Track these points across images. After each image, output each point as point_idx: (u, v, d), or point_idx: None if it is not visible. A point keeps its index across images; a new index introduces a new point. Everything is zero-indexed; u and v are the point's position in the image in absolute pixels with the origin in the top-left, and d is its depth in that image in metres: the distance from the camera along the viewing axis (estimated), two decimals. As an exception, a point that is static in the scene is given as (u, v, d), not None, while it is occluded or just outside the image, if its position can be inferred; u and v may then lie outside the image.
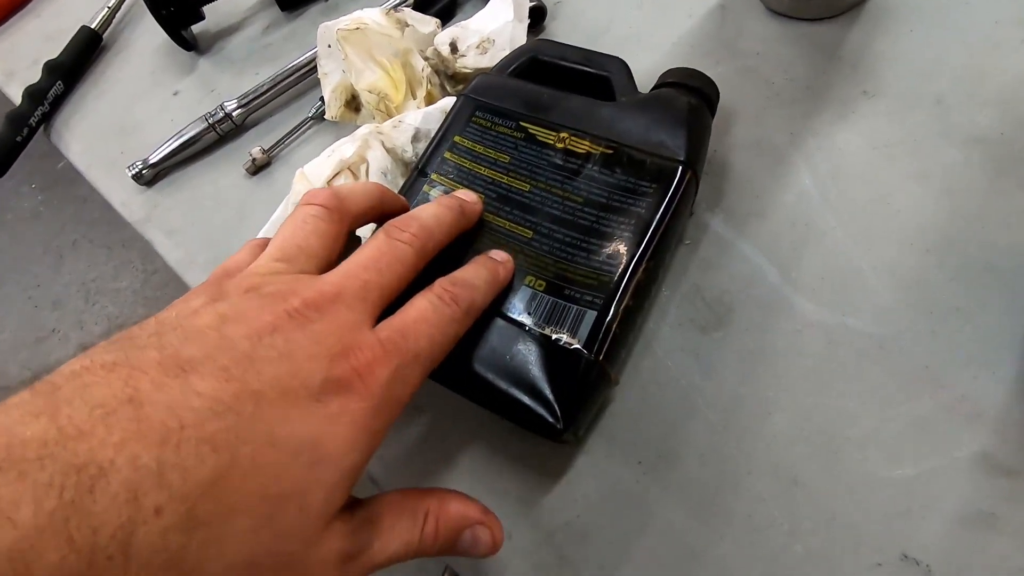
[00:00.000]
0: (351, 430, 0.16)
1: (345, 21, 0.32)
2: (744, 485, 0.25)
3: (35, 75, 0.43)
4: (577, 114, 0.28)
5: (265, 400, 0.15)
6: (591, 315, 0.24)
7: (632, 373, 0.28)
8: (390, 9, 0.33)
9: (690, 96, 0.28)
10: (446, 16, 0.39)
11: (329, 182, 0.29)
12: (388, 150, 0.31)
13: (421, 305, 0.20)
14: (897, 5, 0.34)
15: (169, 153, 0.37)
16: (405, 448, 0.28)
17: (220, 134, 0.37)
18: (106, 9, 0.44)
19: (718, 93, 0.30)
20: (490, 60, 0.33)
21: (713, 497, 0.25)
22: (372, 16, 0.32)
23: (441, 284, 0.21)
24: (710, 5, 0.36)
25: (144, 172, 0.37)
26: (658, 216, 0.25)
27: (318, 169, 0.30)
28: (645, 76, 0.31)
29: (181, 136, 0.37)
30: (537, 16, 0.36)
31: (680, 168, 0.26)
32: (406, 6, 0.37)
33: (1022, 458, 0.23)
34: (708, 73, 0.31)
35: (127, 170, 0.37)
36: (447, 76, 0.34)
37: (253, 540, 0.14)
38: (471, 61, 0.33)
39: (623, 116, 0.28)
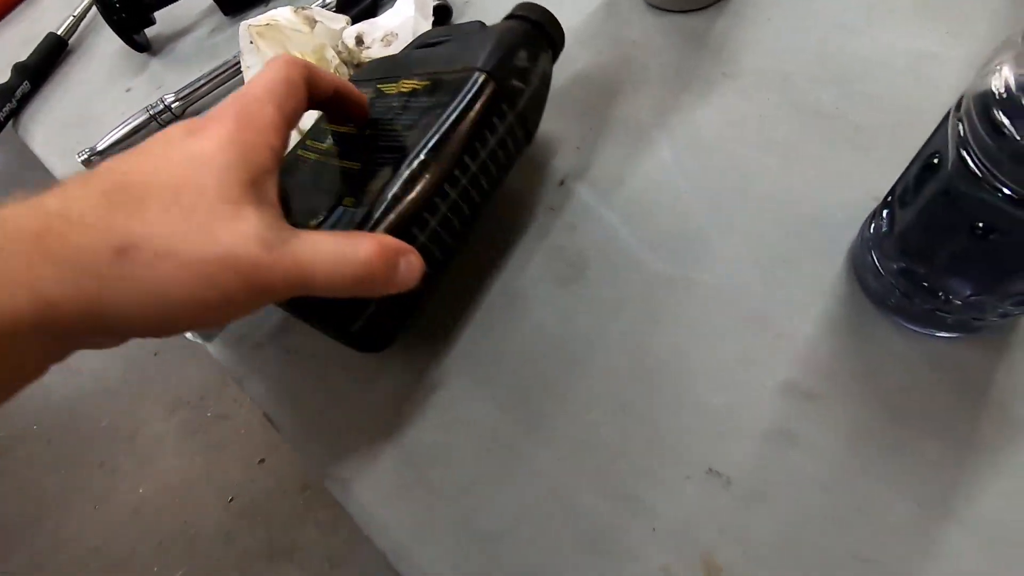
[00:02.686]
0: (216, 142, 0.20)
1: (257, 19, 0.36)
2: (580, 413, 0.28)
3: (8, 74, 0.48)
4: (417, 61, 0.31)
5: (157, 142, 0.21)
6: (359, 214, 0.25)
7: (499, 320, 0.31)
8: (299, 8, 0.37)
9: (522, 23, 0.30)
10: (371, 13, 0.43)
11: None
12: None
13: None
14: (758, 3, 0.37)
15: (115, 141, 0.41)
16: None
17: (161, 124, 0.42)
18: (71, 17, 0.49)
19: (556, 23, 0.31)
20: (393, 51, 0.37)
21: (553, 424, 0.28)
22: (283, 14, 0.36)
23: None
24: (597, 2, 0.40)
25: (93, 159, 0.41)
26: (446, 116, 0.26)
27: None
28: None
29: (126, 126, 0.41)
30: (443, 15, 0.40)
31: (475, 75, 0.27)
32: (323, 6, 0.41)
33: (821, 383, 0.26)
34: (593, 61, 0.35)
35: (76, 156, 0.41)
36: (354, 67, 0.38)
37: (166, 216, 0.19)
38: (375, 52, 0.37)
39: (448, 50, 0.30)
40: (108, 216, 0.18)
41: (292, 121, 0.23)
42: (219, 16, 0.47)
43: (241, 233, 0.19)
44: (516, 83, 0.28)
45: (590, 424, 0.28)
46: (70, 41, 0.49)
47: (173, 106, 0.41)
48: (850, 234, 0.29)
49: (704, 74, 0.35)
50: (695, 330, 0.29)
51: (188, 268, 0.18)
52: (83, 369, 1.30)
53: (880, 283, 0.26)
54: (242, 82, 0.42)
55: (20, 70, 0.46)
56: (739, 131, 0.33)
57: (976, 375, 0.25)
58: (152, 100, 0.44)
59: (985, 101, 0.17)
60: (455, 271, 0.32)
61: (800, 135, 0.32)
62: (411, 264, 0.23)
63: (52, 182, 0.45)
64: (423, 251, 0.25)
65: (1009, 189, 0.18)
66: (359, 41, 0.37)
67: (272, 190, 0.21)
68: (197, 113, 0.43)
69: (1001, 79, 0.17)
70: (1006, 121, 0.17)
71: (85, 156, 0.41)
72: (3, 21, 0.53)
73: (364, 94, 0.29)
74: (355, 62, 0.37)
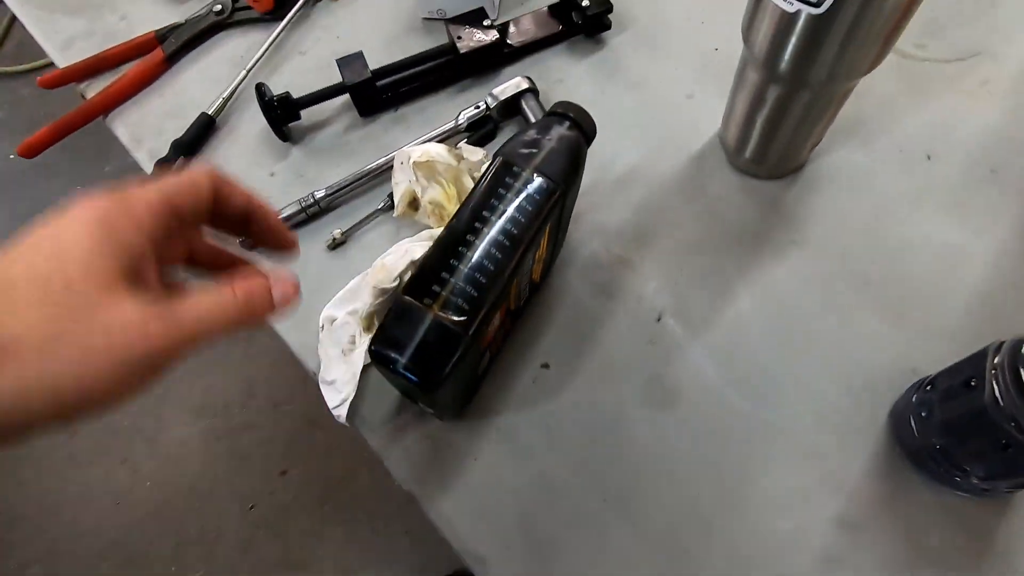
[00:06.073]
0: (80, 223, 0.21)
1: (418, 152, 0.43)
2: (667, 515, 0.35)
3: (159, 144, 0.54)
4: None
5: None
6: None
7: (603, 441, 0.38)
8: (452, 147, 0.44)
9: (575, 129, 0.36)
10: (490, 138, 0.51)
11: (401, 275, 0.40)
12: (441, 250, 0.42)
13: None
14: (826, 173, 0.45)
15: (269, 227, 0.48)
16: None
17: (308, 215, 0.49)
18: (221, 99, 0.55)
19: (593, 124, 0.37)
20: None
21: (644, 515, 0.35)
22: (438, 150, 0.44)
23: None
24: (690, 153, 0.48)
25: (247, 241, 0.48)
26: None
27: (394, 263, 0.41)
28: (638, 208, 0.43)
29: (279, 215, 0.48)
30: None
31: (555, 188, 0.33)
32: (465, 142, 0.48)
33: (864, 518, 0.34)
34: (682, 209, 0.43)
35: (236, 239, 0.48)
36: (488, 195, 0.45)
37: (40, 312, 0.19)
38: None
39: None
40: None
41: (179, 212, 0.23)
42: (352, 115, 0.54)
43: (118, 318, 0.19)
44: (561, 183, 0.33)
45: (671, 526, 0.35)
46: (217, 119, 0.55)
47: (321, 201, 0.48)
48: (891, 396, 0.37)
49: (778, 238, 0.43)
50: (765, 462, 0.36)
51: (75, 362, 0.19)
52: (111, 365, 1.35)
53: (915, 445, 0.34)
54: (384, 184, 0.49)
55: (177, 146, 0.53)
56: (806, 293, 0.41)
57: (984, 530, 0.33)
58: (295, 186, 0.51)
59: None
60: (578, 385, 0.39)
61: (854, 301, 0.40)
62: (283, 286, 0.25)
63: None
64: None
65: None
66: (495, 175, 0.45)
67: (149, 270, 0.22)
68: (337, 207, 0.50)
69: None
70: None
71: (242, 239, 0.47)
72: (146, 91, 0.59)
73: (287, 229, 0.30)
74: (490, 192, 0.45)
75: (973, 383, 0.29)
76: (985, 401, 0.27)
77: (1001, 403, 0.27)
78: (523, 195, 0.32)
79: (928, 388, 0.33)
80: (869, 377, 0.38)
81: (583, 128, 0.36)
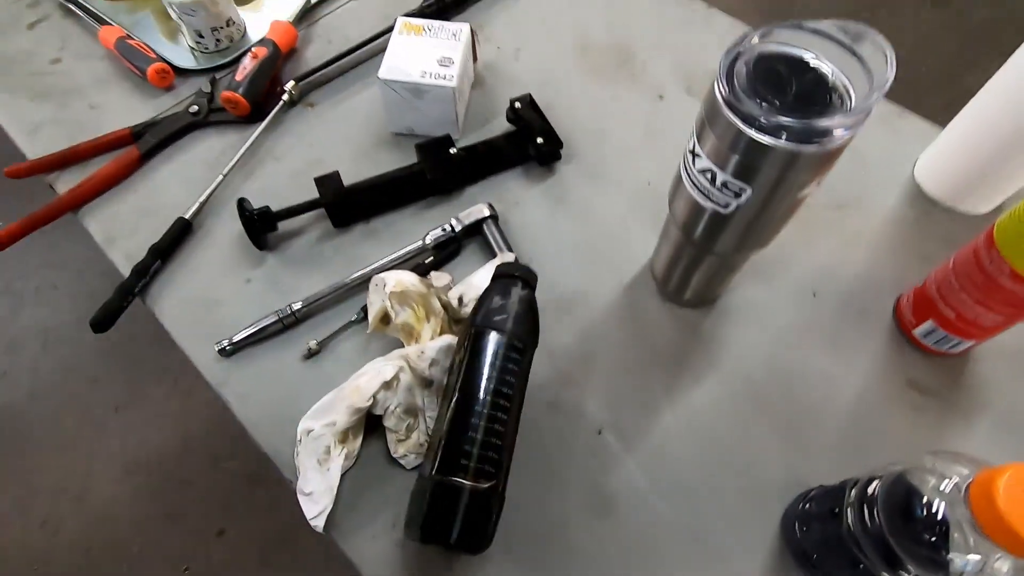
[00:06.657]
0: None
1: (392, 282, 0.49)
2: (610, 620, 0.42)
3: (133, 243, 0.56)
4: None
5: None
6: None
7: (549, 545, 0.44)
8: (422, 276, 0.50)
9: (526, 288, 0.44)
10: (454, 255, 0.57)
11: (374, 395, 0.45)
12: (412, 370, 0.48)
13: None
14: (737, 306, 0.55)
15: (246, 337, 0.52)
16: None
17: (284, 325, 0.53)
18: (198, 204, 0.59)
19: (536, 277, 0.46)
20: (483, 308, 0.51)
21: (592, 627, 0.42)
22: (411, 280, 0.49)
23: None
24: (625, 279, 0.56)
25: (227, 348, 0.51)
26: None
27: (367, 384, 0.46)
28: (581, 330, 0.50)
29: (257, 325, 0.52)
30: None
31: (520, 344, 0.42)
32: (431, 260, 0.54)
33: (760, 614, 0.42)
34: (618, 332, 0.50)
35: (215, 345, 0.51)
36: (454, 320, 0.51)
37: None
38: (471, 310, 0.51)
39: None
40: None
41: None
42: (326, 226, 0.59)
43: None
44: (530, 339, 0.43)
45: (616, 629, 0.42)
46: (193, 222, 0.58)
47: (298, 312, 0.52)
48: (783, 504, 0.45)
49: (696, 362, 0.52)
50: (684, 562, 0.44)
51: None
52: (32, 419, 1.28)
53: (799, 552, 0.42)
54: (359, 296, 0.54)
55: (154, 251, 0.55)
56: (719, 411, 0.49)
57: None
58: (270, 294, 0.55)
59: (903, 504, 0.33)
60: (527, 495, 0.45)
61: (755, 419, 0.49)
62: None
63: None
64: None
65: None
66: (460, 301, 0.51)
67: None
68: (313, 317, 0.54)
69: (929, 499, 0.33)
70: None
71: (222, 346, 0.51)
72: (118, 189, 0.61)
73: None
74: (455, 317, 0.51)
75: (836, 511, 0.37)
76: (843, 529, 0.36)
77: (853, 533, 0.35)
78: (508, 360, 0.39)
79: (807, 506, 0.42)
80: (766, 487, 0.46)
81: (531, 284, 0.44)
